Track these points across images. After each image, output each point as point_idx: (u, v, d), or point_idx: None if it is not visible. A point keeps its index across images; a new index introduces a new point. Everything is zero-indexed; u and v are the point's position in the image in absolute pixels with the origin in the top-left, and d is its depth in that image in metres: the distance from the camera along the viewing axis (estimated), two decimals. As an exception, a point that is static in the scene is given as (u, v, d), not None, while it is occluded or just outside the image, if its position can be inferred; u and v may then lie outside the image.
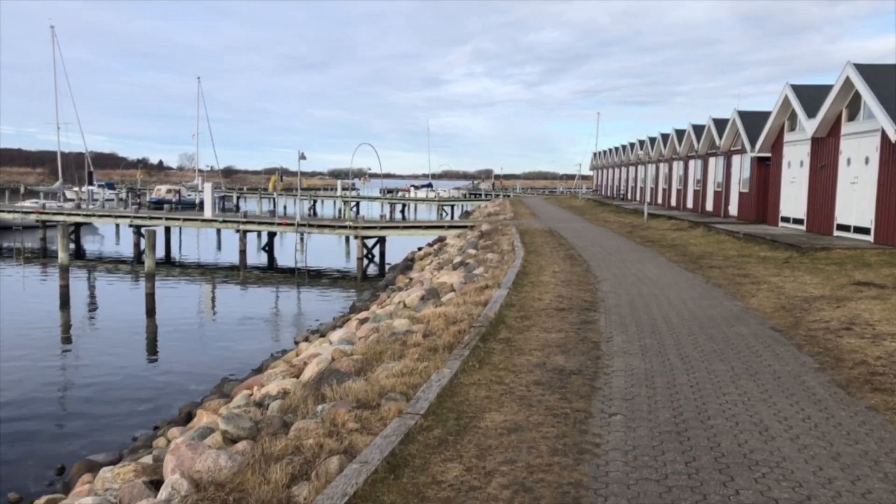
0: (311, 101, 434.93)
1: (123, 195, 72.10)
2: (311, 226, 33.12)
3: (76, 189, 69.01)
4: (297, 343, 15.54)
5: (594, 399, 6.20)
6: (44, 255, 37.25)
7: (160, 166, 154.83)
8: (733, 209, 29.47)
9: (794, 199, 22.86)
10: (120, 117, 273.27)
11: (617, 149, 60.33)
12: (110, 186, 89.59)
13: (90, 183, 51.05)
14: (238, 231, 34.73)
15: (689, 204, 36.55)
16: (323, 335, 14.06)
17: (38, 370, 15.10)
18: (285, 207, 71.83)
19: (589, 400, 6.17)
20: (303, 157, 34.33)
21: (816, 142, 21.10)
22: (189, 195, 77.29)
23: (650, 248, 20.09)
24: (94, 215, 38.10)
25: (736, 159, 29.46)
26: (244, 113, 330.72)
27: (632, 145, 53.36)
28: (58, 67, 55.73)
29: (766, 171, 25.89)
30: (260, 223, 34.55)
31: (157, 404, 12.52)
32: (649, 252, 19.03)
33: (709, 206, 33.03)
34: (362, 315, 13.34)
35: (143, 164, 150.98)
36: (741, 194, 28.54)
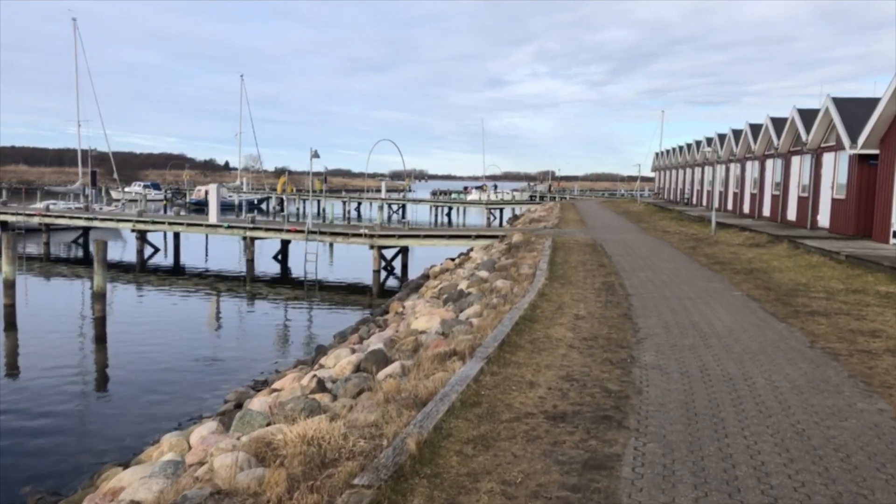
0: (374, 102, 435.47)
1: (157, 196, 70.01)
2: (322, 233, 29.10)
3: (118, 189, 67.31)
4: (226, 402, 11.34)
5: None
6: (47, 261, 34.40)
7: (226, 167, 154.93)
8: (824, 220, 23.97)
9: (913, 209, 17.48)
10: (190, 119, 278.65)
11: (681, 148, 54.40)
12: (156, 187, 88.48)
13: (94, 184, 48.06)
14: (245, 238, 31.02)
15: (766, 211, 30.96)
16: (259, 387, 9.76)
17: None
18: (324, 210, 68.34)
19: None
20: (315, 155, 30.39)
21: (951, 133, 15.76)
22: (229, 196, 74.82)
23: (720, 274, 15.13)
24: (96, 218, 35.00)
25: (828, 158, 23.96)
26: (307, 115, 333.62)
27: (697, 143, 47.54)
28: (79, 62, 52.87)
29: (872, 173, 20.43)
30: (267, 230, 30.70)
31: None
32: (718, 280, 14.10)
33: (791, 215, 27.49)
34: (255, 401, 8.68)
35: (209, 164, 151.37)
36: (835, 201, 23.04)
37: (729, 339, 8.80)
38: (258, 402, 8.17)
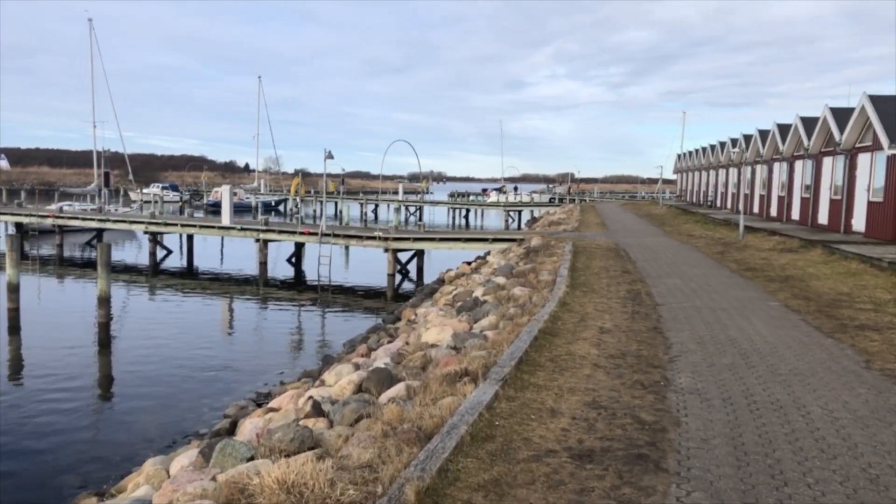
0: (393, 104, 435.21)
1: (173, 197, 69.86)
2: (335, 235, 28.41)
3: (137, 191, 67.23)
4: (225, 417, 10.61)
5: None
6: (60, 263, 34.05)
7: (246, 169, 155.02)
8: (859, 224, 22.85)
9: (959, 212, 16.40)
10: (211, 121, 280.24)
11: (704, 149, 53.18)
12: (174, 188, 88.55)
13: (107, 185, 47.74)
14: (258, 240, 30.42)
15: (795, 215, 29.81)
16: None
17: None
18: (341, 212, 67.77)
19: None
20: (329, 156, 29.71)
21: None
22: (246, 198, 74.65)
23: (752, 281, 14.18)
24: (109, 220, 34.60)
25: (863, 159, 22.85)
26: (327, 117, 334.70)
27: (722, 145, 46.33)
28: (95, 63, 52.19)
29: (912, 175, 19.35)
30: (280, 232, 30.10)
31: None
32: (752, 289, 13.17)
33: (822, 219, 26.36)
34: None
35: (229, 166, 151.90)
36: (871, 204, 21.93)
37: (773, 358, 7.92)
38: (250, 424, 7.43)
